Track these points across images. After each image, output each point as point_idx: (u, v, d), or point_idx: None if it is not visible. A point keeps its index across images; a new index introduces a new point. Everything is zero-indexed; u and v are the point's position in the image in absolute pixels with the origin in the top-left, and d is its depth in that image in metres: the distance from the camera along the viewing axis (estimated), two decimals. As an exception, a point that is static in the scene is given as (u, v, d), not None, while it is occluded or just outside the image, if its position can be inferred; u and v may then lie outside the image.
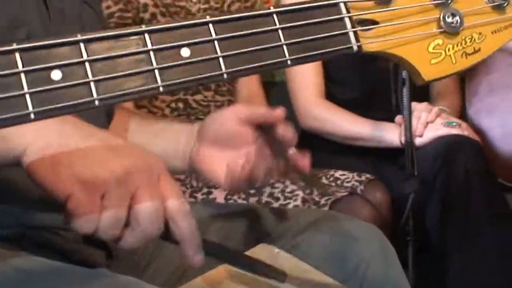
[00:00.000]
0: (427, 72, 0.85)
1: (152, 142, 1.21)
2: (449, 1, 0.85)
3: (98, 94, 0.66)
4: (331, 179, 2.04)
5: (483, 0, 0.87)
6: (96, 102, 0.66)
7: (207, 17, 0.73)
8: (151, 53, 0.69)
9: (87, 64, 0.66)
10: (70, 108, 0.65)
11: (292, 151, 1.11)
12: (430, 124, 2.06)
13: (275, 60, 0.75)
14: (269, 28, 0.75)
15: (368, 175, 2.02)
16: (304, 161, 1.10)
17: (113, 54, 0.68)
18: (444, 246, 1.93)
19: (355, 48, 0.80)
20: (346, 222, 1.22)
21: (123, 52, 0.68)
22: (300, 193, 1.86)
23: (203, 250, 0.86)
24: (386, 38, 0.83)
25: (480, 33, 0.87)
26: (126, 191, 0.80)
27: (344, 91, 2.26)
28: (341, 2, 0.80)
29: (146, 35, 0.69)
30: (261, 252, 1.13)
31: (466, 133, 2.09)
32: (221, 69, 0.72)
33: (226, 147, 1.12)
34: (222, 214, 1.28)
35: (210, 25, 0.72)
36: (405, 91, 1.84)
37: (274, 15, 0.76)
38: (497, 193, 1.99)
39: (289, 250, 1.16)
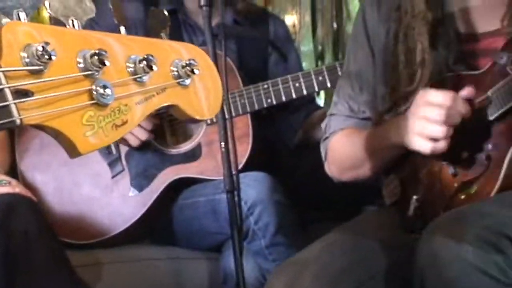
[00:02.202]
0: (83, 145, 0.82)
1: None
2: (98, 73, 0.84)
3: None
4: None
5: (126, 73, 0.88)
6: None
7: None
8: None
9: None
10: None
11: None
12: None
13: None
14: None
15: None
16: None
17: None
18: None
19: (17, 122, 0.74)
20: None
21: None
22: None
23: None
24: (43, 111, 0.78)
25: (126, 105, 0.87)
26: None
27: None
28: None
29: None
30: None
31: (17, 190, 2.02)
32: None
33: None
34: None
35: None
36: None
37: None
38: (59, 248, 1.97)
39: None
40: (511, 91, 1.44)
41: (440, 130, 1.47)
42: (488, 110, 1.49)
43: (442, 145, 1.48)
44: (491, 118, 1.49)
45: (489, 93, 1.49)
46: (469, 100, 1.51)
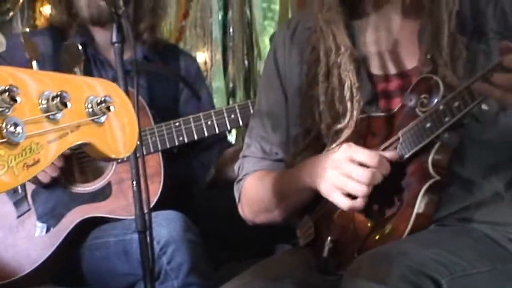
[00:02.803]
0: (-8, 185, 0.78)
1: None
2: (8, 110, 0.80)
3: None
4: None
5: (39, 110, 0.85)
6: None
7: None
8: None
9: None
10: None
11: None
12: None
13: None
14: None
15: None
16: None
17: None
18: None
19: None
20: None
21: None
22: None
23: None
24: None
25: (38, 143, 0.84)
26: None
27: None
28: None
29: None
30: None
31: None
32: None
33: None
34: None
35: None
36: None
37: None
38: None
39: None
40: (420, 132, 1.47)
41: (361, 190, 1.49)
42: (399, 151, 1.51)
43: (360, 203, 1.50)
44: (402, 159, 1.51)
45: (399, 134, 1.52)
46: (380, 142, 1.54)
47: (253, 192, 1.78)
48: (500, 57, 1.38)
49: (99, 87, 0.94)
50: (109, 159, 0.94)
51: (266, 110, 1.79)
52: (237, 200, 1.82)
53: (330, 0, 1.62)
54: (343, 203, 1.51)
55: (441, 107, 1.44)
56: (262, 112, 1.80)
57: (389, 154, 1.52)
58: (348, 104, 1.59)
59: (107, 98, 0.91)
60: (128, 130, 0.97)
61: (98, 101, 0.90)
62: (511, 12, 1.58)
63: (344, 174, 1.50)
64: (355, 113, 1.59)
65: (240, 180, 1.81)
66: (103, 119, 0.92)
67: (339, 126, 1.60)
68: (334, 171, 1.52)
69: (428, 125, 1.46)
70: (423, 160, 1.49)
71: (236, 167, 1.85)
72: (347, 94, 1.60)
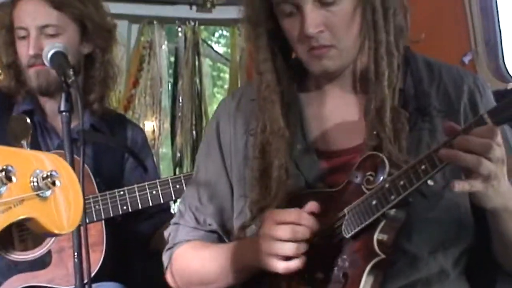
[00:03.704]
0: None
1: None
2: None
3: None
4: None
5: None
6: None
7: None
8: None
9: None
10: None
11: None
12: None
13: None
14: None
15: None
16: None
17: None
18: None
19: None
20: None
21: None
22: None
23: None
24: None
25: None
26: None
27: None
28: None
29: None
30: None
31: None
32: None
33: None
34: None
35: None
36: None
37: None
38: None
39: None
40: (366, 210, 1.48)
41: (289, 248, 1.49)
42: (344, 228, 1.52)
43: (295, 263, 1.50)
44: (347, 236, 1.52)
45: (345, 211, 1.52)
46: (326, 218, 1.55)
47: (186, 263, 1.76)
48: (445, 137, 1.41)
49: (47, 161, 0.93)
50: (51, 235, 0.93)
51: (204, 180, 1.78)
52: (165, 267, 1.80)
53: (268, 79, 1.64)
54: (279, 266, 1.51)
55: (386, 185, 1.46)
56: (199, 181, 1.80)
57: (308, 206, 1.53)
58: (274, 184, 1.61)
59: (53, 173, 0.90)
60: (73, 205, 0.96)
61: (44, 175, 0.90)
62: (454, 93, 1.62)
63: (270, 237, 1.50)
64: (279, 194, 1.60)
65: (171, 247, 1.79)
66: (48, 193, 0.91)
67: (264, 204, 1.61)
68: (263, 239, 1.53)
69: (373, 202, 1.47)
70: (368, 237, 1.49)
71: (166, 233, 1.83)
72: (274, 173, 1.61)
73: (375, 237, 1.48)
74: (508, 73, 3.07)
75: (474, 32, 3.07)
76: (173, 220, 1.83)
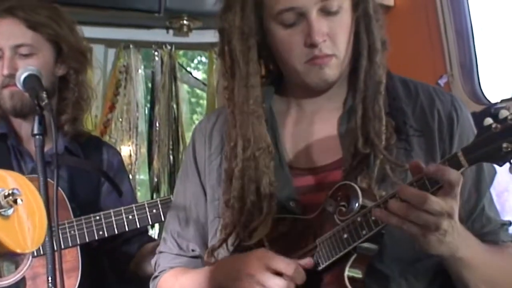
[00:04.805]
0: None
1: None
2: None
3: None
4: None
5: None
6: None
7: None
8: None
9: None
10: None
11: None
12: None
13: None
14: None
15: None
16: None
17: None
18: None
19: None
20: None
21: None
22: None
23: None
24: None
25: None
26: None
27: None
28: None
29: None
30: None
31: None
32: None
33: None
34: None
35: None
36: None
37: None
38: None
39: None
40: (337, 243, 1.46)
41: None
42: (316, 260, 1.49)
43: None
44: (319, 268, 1.49)
45: (317, 242, 1.50)
46: (299, 247, 1.52)
47: None
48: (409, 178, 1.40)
49: (10, 180, 0.92)
50: (14, 254, 0.91)
51: (183, 204, 1.77)
52: None
53: (256, 93, 1.62)
54: None
55: (358, 219, 1.43)
56: (179, 206, 1.78)
57: (305, 262, 1.49)
58: (265, 203, 1.57)
59: (15, 191, 0.89)
60: (37, 224, 0.94)
61: (6, 193, 0.89)
62: (430, 112, 1.61)
63: (259, 282, 1.45)
64: (272, 210, 1.57)
65: (156, 277, 1.77)
66: (10, 212, 0.89)
67: (254, 224, 1.57)
68: (248, 279, 1.47)
69: (345, 236, 1.44)
70: (339, 271, 1.46)
71: (152, 262, 1.81)
72: (265, 190, 1.58)
73: (345, 272, 1.46)
74: (484, 95, 3.08)
75: (450, 55, 3.09)
76: (158, 248, 1.82)
